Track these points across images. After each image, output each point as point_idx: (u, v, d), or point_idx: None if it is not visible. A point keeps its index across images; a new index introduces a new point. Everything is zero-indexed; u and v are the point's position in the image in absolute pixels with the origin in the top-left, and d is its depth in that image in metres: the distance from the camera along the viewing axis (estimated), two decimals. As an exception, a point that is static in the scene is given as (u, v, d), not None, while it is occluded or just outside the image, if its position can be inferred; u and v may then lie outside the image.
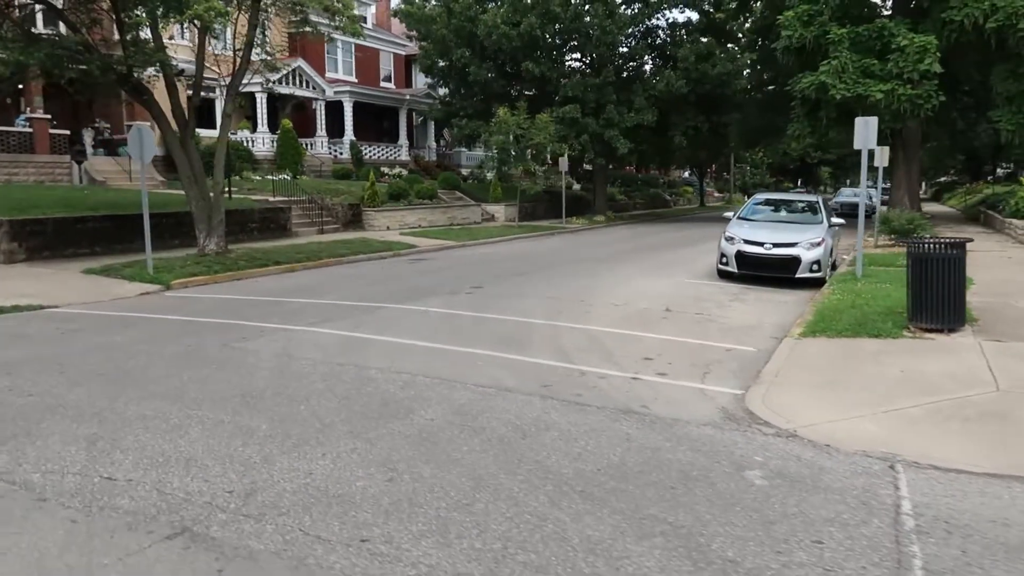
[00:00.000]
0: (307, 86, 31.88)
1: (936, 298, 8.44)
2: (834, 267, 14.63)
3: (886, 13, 26.08)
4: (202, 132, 20.74)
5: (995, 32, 20.72)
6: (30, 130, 22.51)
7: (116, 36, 15.69)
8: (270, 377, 7.19)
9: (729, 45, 35.27)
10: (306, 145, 31.26)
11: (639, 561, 3.75)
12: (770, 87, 34.92)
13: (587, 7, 31.17)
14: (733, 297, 12.38)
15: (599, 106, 31.14)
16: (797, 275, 13.43)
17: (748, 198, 22.67)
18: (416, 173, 32.95)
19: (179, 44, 23.42)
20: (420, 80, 39.14)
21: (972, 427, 5.67)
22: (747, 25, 35.40)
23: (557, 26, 30.92)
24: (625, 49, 33.92)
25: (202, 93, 16.76)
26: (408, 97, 37.46)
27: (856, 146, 13.00)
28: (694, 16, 35.41)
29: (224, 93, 18.21)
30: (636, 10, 32.94)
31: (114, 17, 14.86)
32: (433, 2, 32.37)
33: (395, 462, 5.03)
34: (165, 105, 15.66)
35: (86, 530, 4.04)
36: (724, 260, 14.32)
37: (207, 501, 4.40)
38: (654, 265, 17.06)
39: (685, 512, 4.30)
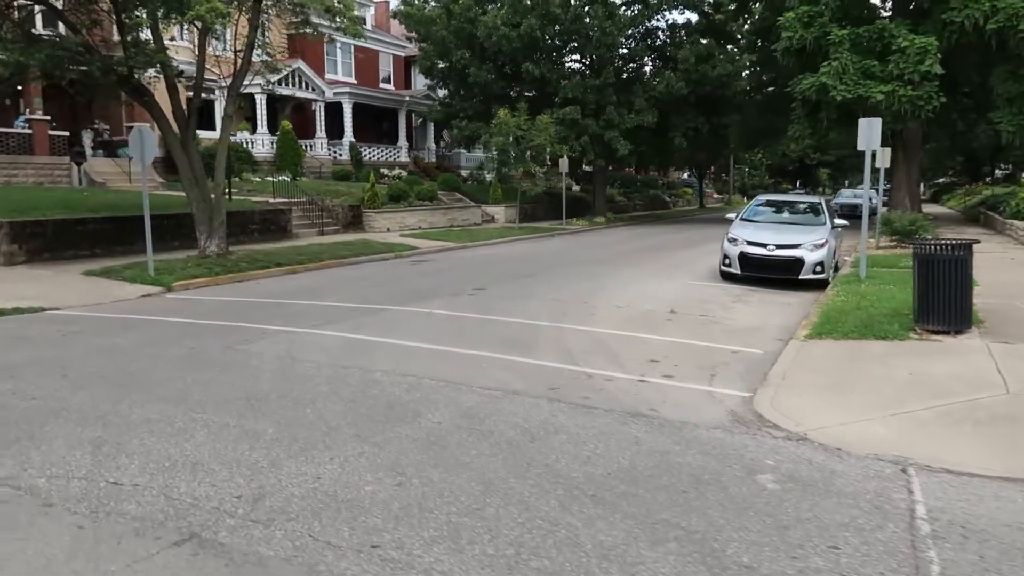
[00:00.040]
0: (306, 87, 31.84)
1: (943, 300, 8.41)
2: (836, 268, 14.60)
3: (886, 14, 26.11)
4: (202, 134, 20.67)
5: (995, 33, 20.73)
6: (29, 131, 22.43)
7: (116, 37, 15.65)
8: (274, 380, 7.14)
9: (729, 46, 35.33)
10: (306, 146, 31.24)
11: (654, 567, 3.70)
12: (770, 88, 34.93)
13: (587, 8, 31.18)
14: (736, 299, 12.35)
15: (599, 107, 31.12)
16: (800, 277, 13.40)
17: (747, 199, 22.64)
18: (416, 175, 32.92)
19: (180, 45, 23.38)
20: (420, 81, 39.07)
21: (983, 430, 5.63)
22: (747, 26, 35.46)
23: (557, 27, 30.88)
24: (625, 50, 33.91)
25: (202, 94, 16.71)
26: (408, 98, 37.41)
27: (860, 147, 12.99)
28: (694, 17, 35.45)
29: (224, 94, 18.17)
30: (636, 11, 32.93)
31: (115, 18, 14.82)
32: (433, 3, 32.32)
33: (404, 466, 4.98)
34: (166, 106, 15.62)
35: (93, 536, 3.99)
36: (727, 261, 14.27)
37: (215, 506, 4.35)
38: (656, 267, 17.02)
39: (698, 517, 4.25)
